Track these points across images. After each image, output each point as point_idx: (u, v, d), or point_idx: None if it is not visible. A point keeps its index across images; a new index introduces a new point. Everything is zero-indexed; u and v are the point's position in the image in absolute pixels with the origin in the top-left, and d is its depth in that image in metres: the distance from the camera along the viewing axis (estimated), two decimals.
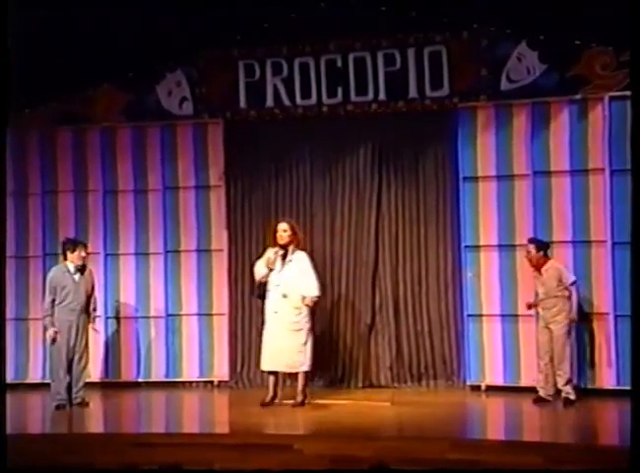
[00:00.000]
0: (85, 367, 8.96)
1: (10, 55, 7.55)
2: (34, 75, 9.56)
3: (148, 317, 10.24)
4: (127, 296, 10.29)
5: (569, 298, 8.46)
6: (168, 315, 10.18)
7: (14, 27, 8.15)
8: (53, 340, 8.73)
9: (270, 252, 8.65)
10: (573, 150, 9.16)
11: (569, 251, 9.03)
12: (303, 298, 8.53)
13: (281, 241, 8.62)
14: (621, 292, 8.50)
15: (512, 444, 6.84)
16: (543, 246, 8.65)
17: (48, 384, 9.02)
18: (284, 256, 8.61)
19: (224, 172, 10.12)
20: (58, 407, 8.74)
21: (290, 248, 8.64)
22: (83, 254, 8.93)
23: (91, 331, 9.06)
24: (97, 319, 9.31)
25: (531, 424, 8.04)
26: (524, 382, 9.23)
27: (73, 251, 8.88)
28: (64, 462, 6.79)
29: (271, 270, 8.60)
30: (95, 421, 8.77)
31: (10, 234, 10.22)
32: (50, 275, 8.91)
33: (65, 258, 8.95)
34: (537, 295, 8.67)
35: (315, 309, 8.90)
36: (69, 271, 8.86)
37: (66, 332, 8.76)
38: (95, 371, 10.16)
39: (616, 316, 8.80)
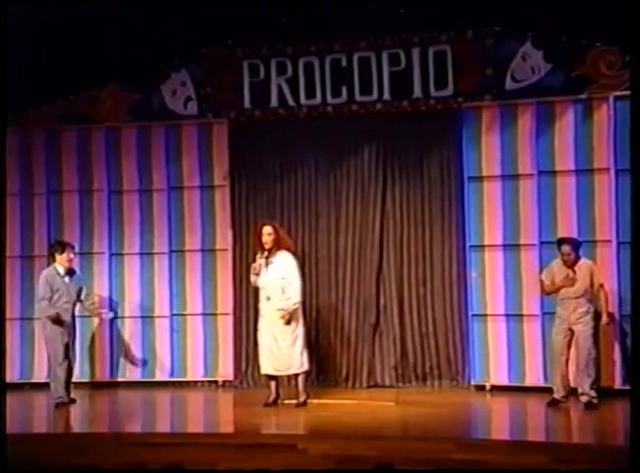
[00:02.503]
0: (73, 365, 9.08)
1: (10, 55, 7.56)
2: (40, 75, 9.61)
3: (152, 317, 10.25)
4: (132, 295, 10.30)
5: (591, 300, 8.32)
6: (173, 315, 10.19)
7: (19, 26, 8.18)
8: (55, 320, 8.80)
9: (257, 259, 8.66)
10: (578, 149, 9.15)
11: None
12: (281, 309, 8.48)
13: (266, 245, 8.60)
14: (626, 291, 8.47)
15: (517, 444, 6.83)
16: (578, 245, 8.46)
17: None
18: (267, 259, 8.59)
19: (229, 172, 10.13)
20: (58, 405, 8.80)
21: (274, 250, 8.60)
22: (71, 256, 9.05)
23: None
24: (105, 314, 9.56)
25: (536, 424, 8.03)
26: (529, 382, 9.23)
27: (61, 253, 8.99)
28: (68, 462, 6.79)
29: (257, 275, 8.62)
30: (99, 420, 8.79)
31: (15, 233, 10.29)
32: (44, 275, 8.98)
33: (54, 260, 9.02)
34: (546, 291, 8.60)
35: (304, 309, 8.87)
36: (59, 273, 8.95)
37: (60, 332, 8.84)
38: (100, 371, 10.19)
39: (622, 316, 8.79)
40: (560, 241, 8.52)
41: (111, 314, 9.66)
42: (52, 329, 8.85)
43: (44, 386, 9.21)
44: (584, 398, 8.24)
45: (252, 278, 8.71)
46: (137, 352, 10.24)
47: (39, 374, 10.13)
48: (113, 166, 10.31)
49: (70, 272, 9.05)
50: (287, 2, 9.35)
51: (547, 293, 8.62)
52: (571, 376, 8.50)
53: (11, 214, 10.10)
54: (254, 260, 8.76)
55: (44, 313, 8.86)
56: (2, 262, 9.39)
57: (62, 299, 8.89)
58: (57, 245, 9.12)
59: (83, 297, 9.12)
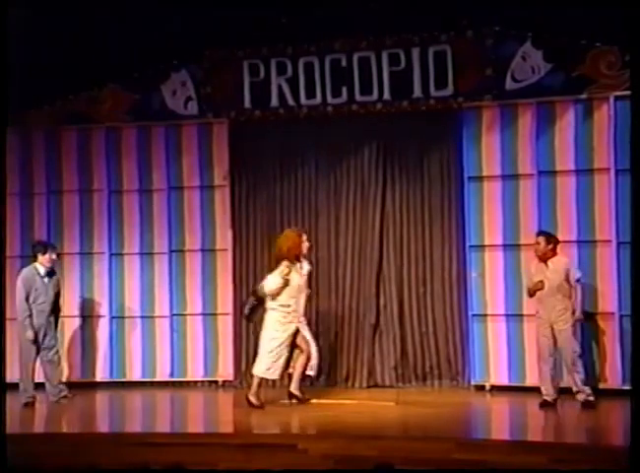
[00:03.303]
0: (59, 364, 9.18)
1: (10, 55, 7.55)
2: (40, 75, 9.61)
3: (152, 317, 10.25)
4: (132, 295, 10.31)
5: (569, 297, 8.28)
6: (173, 315, 10.19)
7: (19, 26, 8.18)
8: (34, 341, 8.88)
9: (283, 266, 8.62)
10: (578, 149, 9.15)
11: (574, 251, 9.00)
12: None
13: (307, 251, 8.78)
14: (626, 291, 8.47)
15: (517, 444, 6.83)
16: (552, 239, 8.45)
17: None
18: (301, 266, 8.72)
19: (229, 172, 10.13)
20: (27, 405, 8.85)
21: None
22: (53, 257, 9.12)
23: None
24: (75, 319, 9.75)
25: (536, 424, 8.02)
26: (529, 382, 9.21)
27: (44, 254, 9.03)
28: (68, 462, 6.78)
29: (286, 281, 8.60)
30: (99, 420, 8.79)
31: (15, 233, 10.29)
32: (22, 276, 9.01)
33: (35, 260, 9.05)
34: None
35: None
36: (39, 273, 9.00)
37: (36, 331, 8.90)
38: (99, 371, 10.20)
39: (621, 316, 8.79)
40: (537, 234, 8.58)
41: None
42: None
43: (44, 386, 9.21)
44: (580, 396, 8.25)
45: (280, 284, 8.58)
46: (137, 352, 10.24)
47: (39, 374, 10.11)
48: (113, 166, 10.31)
49: (50, 273, 9.08)
50: (287, 2, 9.35)
51: (530, 295, 8.58)
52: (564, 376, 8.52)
53: (11, 214, 10.11)
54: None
55: (25, 321, 8.87)
56: (2, 262, 9.41)
57: (39, 299, 8.94)
58: (40, 246, 9.16)
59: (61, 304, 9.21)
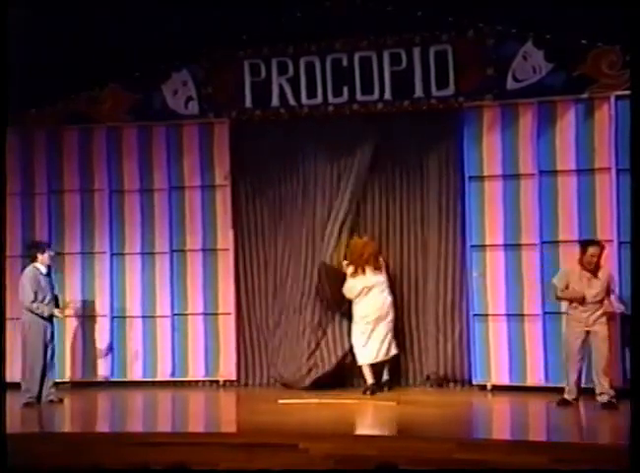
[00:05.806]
0: (54, 365, 9.18)
1: (10, 55, 7.56)
2: (41, 74, 9.60)
3: (154, 317, 10.25)
4: (133, 295, 10.31)
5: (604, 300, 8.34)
6: (174, 315, 10.19)
7: (19, 26, 8.19)
8: (49, 316, 8.98)
9: None
10: (579, 149, 9.14)
11: (575, 251, 8.97)
12: None
13: None
14: (627, 292, 8.45)
15: (518, 444, 6.83)
16: (603, 247, 8.41)
17: (58, 383, 9.22)
18: None
19: (230, 172, 10.13)
20: (27, 405, 8.85)
21: None
22: (52, 254, 9.23)
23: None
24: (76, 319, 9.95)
25: (537, 423, 8.02)
26: (530, 382, 9.22)
27: (43, 253, 9.12)
28: (68, 462, 6.79)
29: None
30: (100, 420, 8.79)
31: (16, 233, 10.30)
32: (29, 275, 9.04)
33: (34, 260, 9.11)
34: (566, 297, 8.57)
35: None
36: (41, 273, 9.06)
37: (42, 332, 8.96)
38: (101, 371, 10.20)
39: (623, 316, 8.76)
40: (587, 243, 8.47)
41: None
42: (34, 330, 8.94)
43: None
44: (604, 397, 8.22)
45: None
46: (138, 351, 10.23)
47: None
48: (114, 165, 10.32)
49: (48, 272, 9.17)
50: (287, 2, 9.36)
51: (558, 298, 8.61)
52: (583, 377, 8.49)
53: (12, 214, 10.10)
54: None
55: (44, 313, 8.92)
56: (2, 262, 9.42)
57: (47, 297, 9.01)
58: (36, 246, 9.23)
59: (60, 304, 9.26)
